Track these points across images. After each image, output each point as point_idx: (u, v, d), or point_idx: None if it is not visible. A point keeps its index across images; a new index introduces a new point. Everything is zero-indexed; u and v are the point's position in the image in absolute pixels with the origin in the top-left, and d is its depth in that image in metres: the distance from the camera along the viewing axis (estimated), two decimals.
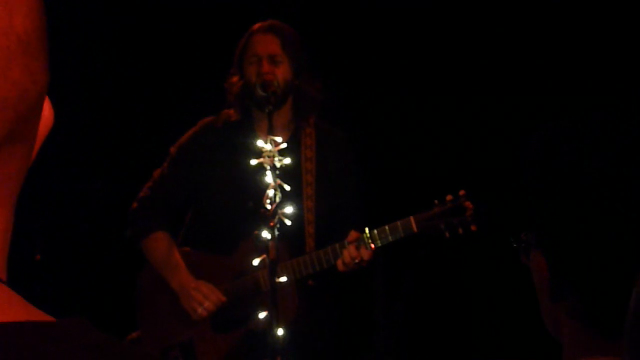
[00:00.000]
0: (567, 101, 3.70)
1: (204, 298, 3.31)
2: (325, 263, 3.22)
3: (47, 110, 0.67)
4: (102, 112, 4.47)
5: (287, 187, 3.01)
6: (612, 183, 1.17)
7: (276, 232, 2.96)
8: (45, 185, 3.96)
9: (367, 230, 3.18)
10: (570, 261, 1.20)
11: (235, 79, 3.39)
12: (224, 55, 3.48)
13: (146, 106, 4.46)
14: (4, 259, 0.64)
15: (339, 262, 3.20)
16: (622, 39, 3.82)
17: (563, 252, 1.21)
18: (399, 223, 3.16)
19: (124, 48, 4.38)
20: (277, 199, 2.98)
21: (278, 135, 3.11)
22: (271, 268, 2.94)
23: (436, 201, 3.17)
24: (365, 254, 3.17)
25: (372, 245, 3.17)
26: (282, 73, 3.31)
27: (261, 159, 3.03)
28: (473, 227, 3.13)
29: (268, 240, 2.96)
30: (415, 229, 3.15)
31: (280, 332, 2.94)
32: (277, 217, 2.97)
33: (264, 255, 2.98)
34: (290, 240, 3.22)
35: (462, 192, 3.16)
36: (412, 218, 3.15)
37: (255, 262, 3.05)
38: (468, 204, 3.13)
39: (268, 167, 3.02)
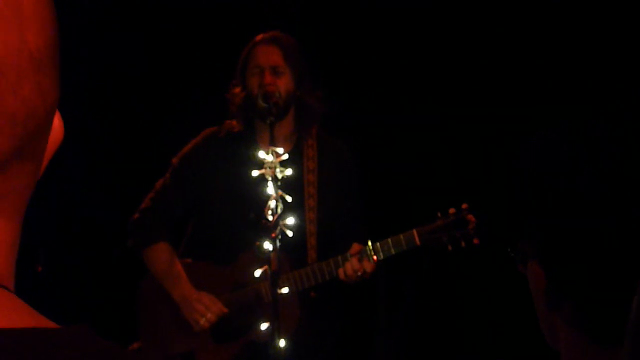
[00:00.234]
0: (569, 110, 3.70)
1: (206, 309, 3.30)
2: (327, 275, 3.22)
3: (57, 124, 0.67)
4: (104, 122, 4.47)
5: (289, 199, 3.00)
6: (607, 191, 1.18)
7: (278, 244, 2.95)
8: (46, 195, 3.95)
9: (369, 242, 3.18)
10: (566, 270, 1.21)
11: (237, 90, 3.39)
12: (227, 66, 3.48)
13: (149, 117, 4.46)
14: (11, 270, 0.65)
15: (341, 272, 3.19)
16: (614, 49, 3.83)
17: (559, 261, 1.22)
18: (401, 236, 3.16)
19: (127, 59, 4.39)
20: (279, 210, 2.98)
21: (280, 147, 3.11)
22: (273, 279, 2.94)
23: (439, 214, 3.17)
24: (368, 267, 3.17)
25: (375, 258, 3.17)
26: (284, 84, 3.32)
27: (263, 170, 3.03)
28: (475, 241, 3.13)
29: (270, 251, 2.95)
30: (418, 242, 3.15)
31: (282, 343, 2.93)
32: (278, 228, 2.96)
33: (266, 267, 2.97)
34: (292, 252, 3.22)
35: (464, 205, 3.16)
36: (415, 231, 3.15)
37: (257, 273, 3.04)
38: (471, 217, 3.13)
39: (270, 178, 3.01)
